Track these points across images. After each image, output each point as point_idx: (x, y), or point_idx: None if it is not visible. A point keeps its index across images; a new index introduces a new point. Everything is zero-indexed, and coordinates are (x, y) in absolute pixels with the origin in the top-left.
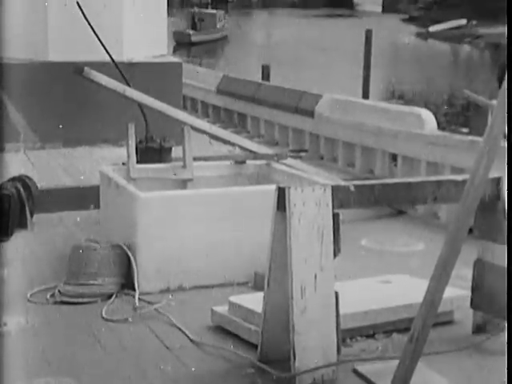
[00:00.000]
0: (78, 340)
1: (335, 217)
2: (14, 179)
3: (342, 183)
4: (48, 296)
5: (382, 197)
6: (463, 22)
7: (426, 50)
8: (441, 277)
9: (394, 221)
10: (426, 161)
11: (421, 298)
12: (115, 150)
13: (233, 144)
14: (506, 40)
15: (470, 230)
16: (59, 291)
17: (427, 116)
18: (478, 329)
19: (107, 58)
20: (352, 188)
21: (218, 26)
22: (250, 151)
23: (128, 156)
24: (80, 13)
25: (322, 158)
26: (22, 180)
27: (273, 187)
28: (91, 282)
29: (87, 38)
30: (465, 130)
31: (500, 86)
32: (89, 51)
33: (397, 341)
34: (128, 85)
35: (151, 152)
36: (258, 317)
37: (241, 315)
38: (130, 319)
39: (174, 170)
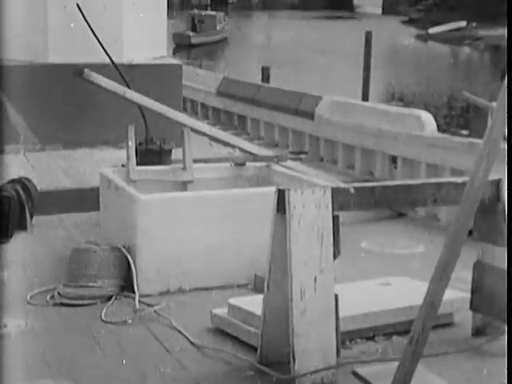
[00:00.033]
0: (78, 342)
1: (335, 219)
2: (13, 181)
3: (342, 185)
4: (48, 298)
5: (382, 199)
6: (463, 23)
7: (425, 51)
8: (441, 279)
9: (394, 223)
10: (426, 163)
11: (421, 300)
12: (115, 151)
13: (233, 146)
14: (505, 42)
15: (470, 232)
16: (59, 293)
17: (427, 118)
18: (478, 331)
19: (107, 60)
20: (352, 190)
21: (217, 28)
22: (250, 153)
23: (128, 158)
24: (80, 14)
25: (321, 160)
26: (22, 182)
27: (273, 189)
28: (91, 284)
29: (87, 40)
30: (465, 132)
31: None
32: (89, 53)
33: (396, 343)
34: (128, 87)
35: (151, 154)
36: (258, 319)
37: (240, 317)
38: (129, 321)
39: (174, 172)
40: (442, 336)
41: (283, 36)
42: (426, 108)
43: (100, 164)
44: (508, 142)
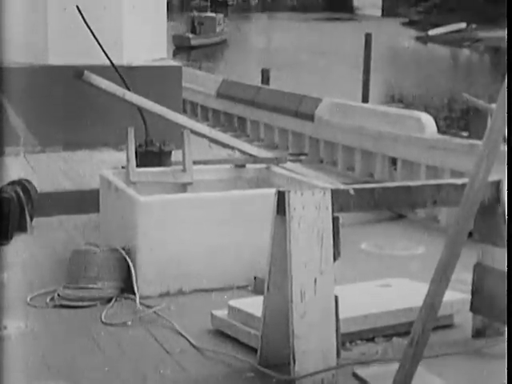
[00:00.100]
0: (78, 344)
1: (335, 220)
2: (13, 183)
3: (342, 187)
4: (48, 300)
5: (382, 200)
6: (463, 25)
7: (425, 53)
8: (441, 280)
9: (394, 224)
10: (426, 164)
11: (421, 301)
12: (115, 153)
13: (232, 148)
14: (505, 44)
15: (470, 234)
16: (59, 295)
17: (427, 120)
18: (478, 333)
19: (107, 62)
20: (352, 192)
21: (217, 30)
22: (250, 155)
23: (128, 160)
24: (80, 16)
25: (321, 162)
26: (22, 184)
27: (272, 191)
28: (91, 285)
29: (87, 42)
30: (464, 133)
31: None
32: (88, 55)
33: (397, 344)
34: (128, 88)
35: (151, 156)
36: (258, 321)
37: (240, 319)
38: (129, 323)
39: (174, 173)
40: (442, 337)
41: (283, 38)
42: (426, 110)
43: (100, 166)
44: (508, 144)
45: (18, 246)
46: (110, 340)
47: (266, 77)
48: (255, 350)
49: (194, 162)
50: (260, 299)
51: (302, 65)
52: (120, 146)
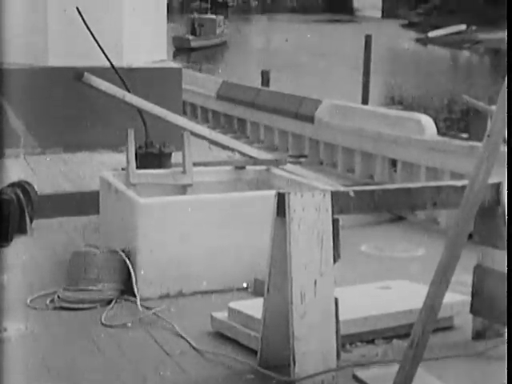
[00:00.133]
0: (78, 346)
1: (335, 222)
2: (13, 185)
3: (342, 189)
4: (48, 302)
5: (382, 202)
6: (463, 27)
7: (425, 55)
8: (441, 282)
9: (394, 226)
10: (426, 166)
11: (421, 303)
12: (115, 155)
13: (232, 149)
14: (505, 45)
15: (470, 236)
16: (59, 297)
17: (427, 121)
18: (478, 334)
19: (107, 64)
20: (352, 194)
21: (217, 32)
22: (250, 157)
23: (128, 161)
24: (80, 18)
25: (321, 164)
26: (22, 185)
27: (272, 193)
28: (91, 287)
29: (87, 44)
30: (464, 135)
31: None
32: (88, 56)
33: (397, 346)
34: (128, 90)
35: (151, 157)
36: (258, 323)
37: (240, 321)
38: (129, 325)
39: (174, 175)
40: (442, 339)
41: (283, 39)
42: (426, 111)
43: (100, 168)
44: (508, 145)
45: (18, 248)
46: (110, 342)
47: (265, 78)
48: (255, 352)
49: (194, 164)
50: (260, 301)
51: (302, 66)
52: (120, 148)
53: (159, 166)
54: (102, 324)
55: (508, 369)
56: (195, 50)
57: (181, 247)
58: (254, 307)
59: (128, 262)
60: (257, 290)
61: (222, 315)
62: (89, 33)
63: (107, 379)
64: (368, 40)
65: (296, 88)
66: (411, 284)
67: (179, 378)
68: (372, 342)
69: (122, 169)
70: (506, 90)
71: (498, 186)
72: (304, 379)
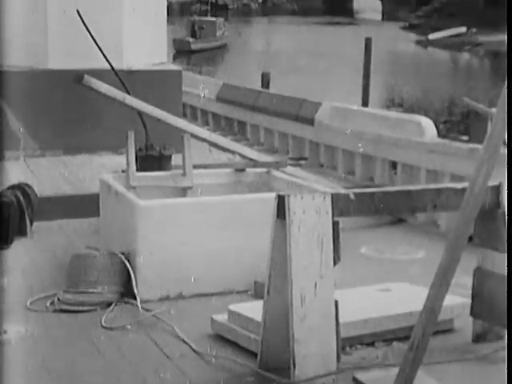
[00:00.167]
0: (78, 348)
1: (335, 225)
2: (13, 187)
3: (342, 191)
4: (48, 304)
5: (382, 205)
6: (463, 29)
7: (425, 57)
8: (441, 285)
9: (394, 229)
10: (426, 169)
11: (421, 306)
12: (115, 157)
13: (232, 152)
14: (505, 48)
15: (470, 238)
16: (59, 299)
17: (427, 124)
18: (478, 337)
19: (107, 66)
20: (352, 196)
21: (217, 34)
22: (250, 159)
23: (128, 164)
24: (80, 20)
25: (321, 166)
26: (22, 188)
27: (272, 195)
28: (91, 290)
29: (87, 46)
30: (465, 137)
31: None
32: (88, 59)
33: (397, 349)
34: (128, 92)
35: (151, 160)
36: (258, 325)
37: (240, 323)
38: (129, 327)
39: (174, 177)
40: (442, 342)
41: (283, 42)
42: (426, 114)
43: (100, 170)
44: (508, 148)
45: (18, 251)
46: (110, 344)
47: (266, 81)
48: (255, 355)
49: (194, 166)
50: (260, 303)
51: (302, 68)
52: (120, 150)
53: (159, 169)
54: (102, 326)
55: (508, 371)
56: (195, 53)
57: (181, 249)
58: (254, 309)
59: (128, 264)
60: (257, 292)
61: (222, 317)
62: (89, 35)
63: (107, 381)
64: (368, 42)
65: (296, 90)
66: (411, 286)
67: (179, 380)
68: (372, 344)
69: (122, 171)
70: (506, 92)
71: (498, 188)
72: (304, 382)
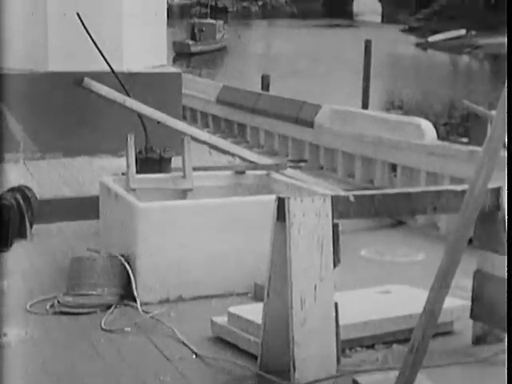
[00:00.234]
0: (78, 351)
1: (335, 227)
2: (13, 189)
3: (342, 193)
4: (47, 307)
5: (382, 207)
6: (462, 32)
7: (425, 60)
8: (441, 287)
9: (394, 231)
10: (426, 171)
11: (421, 308)
12: (115, 160)
13: (232, 154)
14: (505, 50)
15: (470, 241)
16: (59, 302)
17: (427, 126)
18: (478, 339)
19: (107, 69)
20: (352, 198)
21: (217, 37)
22: (250, 161)
23: (128, 166)
24: (80, 23)
25: (321, 168)
26: (22, 190)
27: (272, 197)
28: (91, 292)
29: (87, 49)
30: (464, 140)
31: None
32: (88, 61)
33: (397, 351)
34: (128, 95)
35: (151, 162)
36: (258, 327)
37: (240, 326)
38: (129, 330)
39: (174, 180)
40: (442, 345)
41: (283, 44)
42: (426, 116)
43: (100, 172)
44: (508, 150)
45: (18, 253)
46: (109, 347)
47: (265, 83)
48: (255, 357)
49: (194, 169)
50: (260, 306)
51: (302, 71)
52: (120, 153)
53: (159, 171)
54: (102, 329)
55: (508, 374)
56: (195, 55)
57: (181, 252)
58: (254, 312)
59: (128, 266)
60: (257, 294)
61: (222, 320)
62: (89, 38)
63: None
64: (368, 45)
65: (296, 93)
66: (411, 289)
67: (179, 383)
68: (372, 347)
69: (122, 173)
70: (506, 94)
71: (498, 190)
72: None
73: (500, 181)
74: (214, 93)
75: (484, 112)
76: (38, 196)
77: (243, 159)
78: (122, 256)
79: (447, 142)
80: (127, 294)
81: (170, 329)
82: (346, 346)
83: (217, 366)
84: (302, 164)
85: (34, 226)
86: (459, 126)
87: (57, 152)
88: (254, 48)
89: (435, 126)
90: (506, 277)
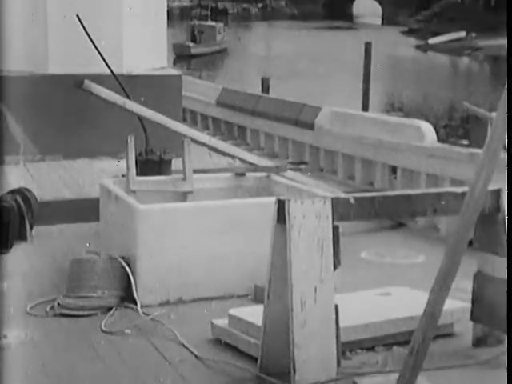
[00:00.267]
0: (78, 353)
1: (335, 229)
2: (13, 192)
3: (342, 196)
4: (48, 309)
5: (382, 209)
6: (463, 34)
7: (425, 62)
8: (441, 289)
9: (394, 233)
10: (426, 173)
11: (421, 310)
12: (115, 162)
13: (233, 156)
14: (505, 52)
15: (470, 242)
16: (59, 304)
17: (427, 128)
18: (478, 341)
19: (107, 71)
20: (352, 200)
21: (217, 39)
22: (250, 163)
23: (128, 168)
24: (80, 25)
25: (321, 171)
26: (22, 192)
27: (273, 199)
28: (91, 294)
29: (87, 51)
30: (465, 142)
31: None
32: (89, 64)
33: (397, 354)
34: (128, 97)
35: (151, 164)
36: (258, 329)
37: (241, 328)
38: (129, 332)
39: (174, 182)
40: (442, 347)
41: (283, 47)
42: (426, 118)
43: (100, 174)
44: (508, 152)
45: (18, 255)
46: (110, 349)
47: (266, 85)
48: (255, 359)
49: (194, 171)
50: (260, 308)
51: (302, 73)
52: (120, 155)
53: (159, 173)
54: (102, 331)
55: (508, 376)
56: (195, 57)
57: (181, 254)
58: (254, 314)
59: (128, 268)
60: (257, 296)
61: (222, 322)
62: (89, 40)
63: None
64: (368, 47)
65: (296, 95)
66: (411, 291)
67: None
68: (372, 349)
69: (122, 176)
70: (506, 96)
71: (498, 192)
72: None
73: (500, 183)
74: (214, 95)
75: (484, 114)
76: (38, 198)
77: (243, 161)
78: (123, 258)
79: (447, 144)
80: (127, 296)
81: (170, 331)
82: (346, 348)
83: (217, 368)
84: (302, 166)
85: (35, 228)
86: (459, 128)
87: (57, 154)
88: (254, 50)
89: (435, 128)
90: (506, 278)
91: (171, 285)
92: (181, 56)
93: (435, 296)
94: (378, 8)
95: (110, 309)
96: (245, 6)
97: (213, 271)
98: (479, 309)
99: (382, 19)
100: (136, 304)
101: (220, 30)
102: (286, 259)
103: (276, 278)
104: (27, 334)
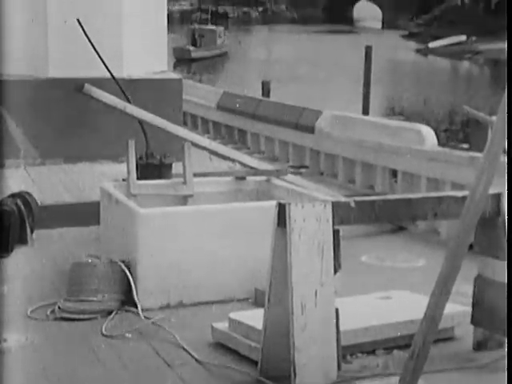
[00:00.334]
0: (78, 356)
1: (335, 233)
2: (14, 195)
3: (343, 199)
4: (48, 312)
5: (383, 213)
6: (463, 38)
7: (425, 65)
8: (441, 293)
9: (395, 237)
10: (427, 177)
11: (421, 314)
12: (115, 166)
13: (233, 160)
14: (505, 56)
15: (471, 246)
16: (59, 307)
17: (427, 132)
18: (479, 345)
19: (107, 75)
20: (352, 204)
21: (218, 43)
22: (251, 167)
23: (128, 172)
24: (80, 29)
25: (322, 174)
26: (23, 196)
27: (273, 203)
28: (91, 298)
29: (87, 55)
30: (465, 145)
31: None
32: (89, 68)
33: (397, 357)
34: (128, 101)
35: (151, 168)
36: (259, 333)
37: (241, 331)
38: (130, 336)
39: (175, 186)
40: (442, 350)
41: (283, 50)
42: (427, 122)
43: (100, 178)
44: (508, 156)
45: (19, 259)
46: (110, 352)
47: (266, 89)
48: (256, 363)
49: (195, 175)
50: (261, 311)
51: (303, 77)
52: (120, 159)
53: (160, 177)
54: (103, 335)
55: (508, 380)
56: (196, 61)
57: (181, 258)
58: (254, 318)
59: (128, 272)
60: (257, 300)
61: (222, 326)
62: (89, 44)
63: None
64: (368, 51)
65: (296, 99)
66: (412, 294)
67: None
68: (373, 352)
69: (123, 179)
70: (506, 100)
71: (498, 196)
72: None
73: (500, 186)
74: (214, 99)
75: (484, 118)
76: (38, 202)
77: (244, 165)
78: (123, 262)
79: (448, 147)
80: (128, 300)
81: (170, 334)
82: (346, 352)
83: (217, 372)
84: (303, 170)
85: (35, 232)
86: (460, 131)
87: (57, 158)
88: (254, 53)
89: (436, 132)
90: (507, 282)
91: (172, 288)
92: (181, 60)
93: (436, 300)
94: (378, 12)
95: (110, 312)
96: (245, 9)
97: (213, 275)
98: (480, 312)
99: (382, 23)
100: (136, 308)
101: (220, 34)
102: (287, 263)
103: (276, 281)
104: (27, 338)
